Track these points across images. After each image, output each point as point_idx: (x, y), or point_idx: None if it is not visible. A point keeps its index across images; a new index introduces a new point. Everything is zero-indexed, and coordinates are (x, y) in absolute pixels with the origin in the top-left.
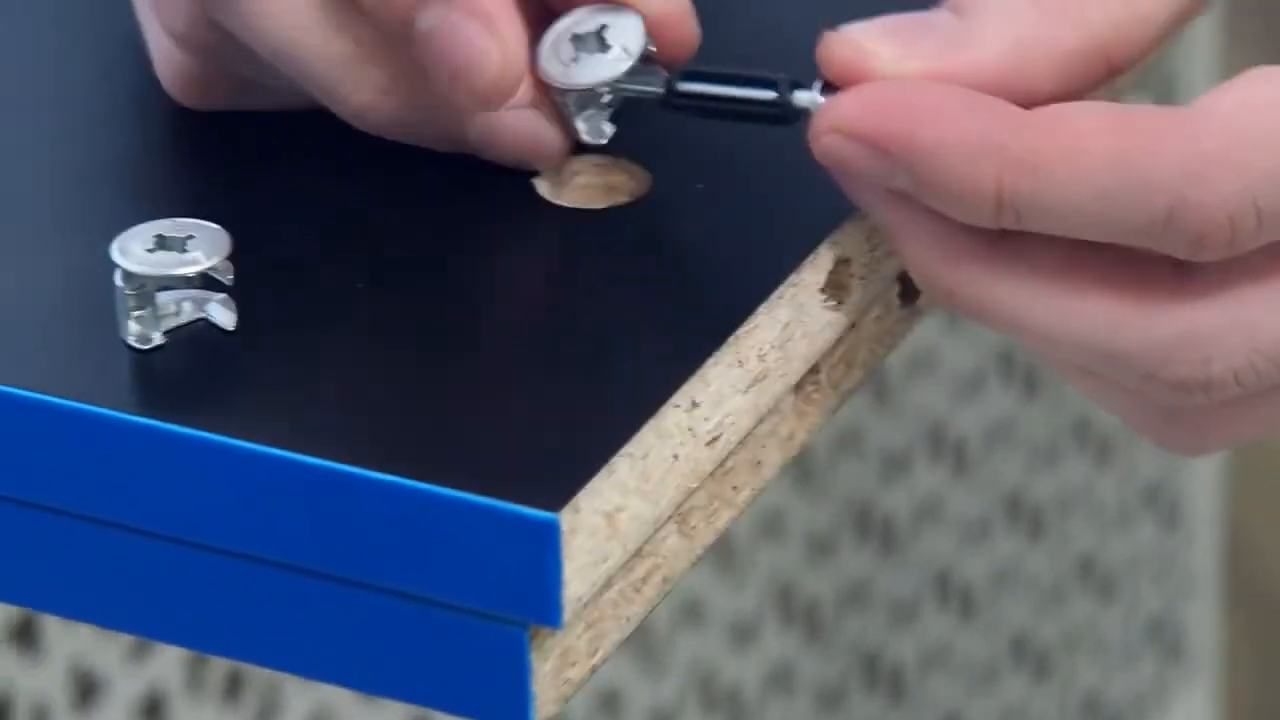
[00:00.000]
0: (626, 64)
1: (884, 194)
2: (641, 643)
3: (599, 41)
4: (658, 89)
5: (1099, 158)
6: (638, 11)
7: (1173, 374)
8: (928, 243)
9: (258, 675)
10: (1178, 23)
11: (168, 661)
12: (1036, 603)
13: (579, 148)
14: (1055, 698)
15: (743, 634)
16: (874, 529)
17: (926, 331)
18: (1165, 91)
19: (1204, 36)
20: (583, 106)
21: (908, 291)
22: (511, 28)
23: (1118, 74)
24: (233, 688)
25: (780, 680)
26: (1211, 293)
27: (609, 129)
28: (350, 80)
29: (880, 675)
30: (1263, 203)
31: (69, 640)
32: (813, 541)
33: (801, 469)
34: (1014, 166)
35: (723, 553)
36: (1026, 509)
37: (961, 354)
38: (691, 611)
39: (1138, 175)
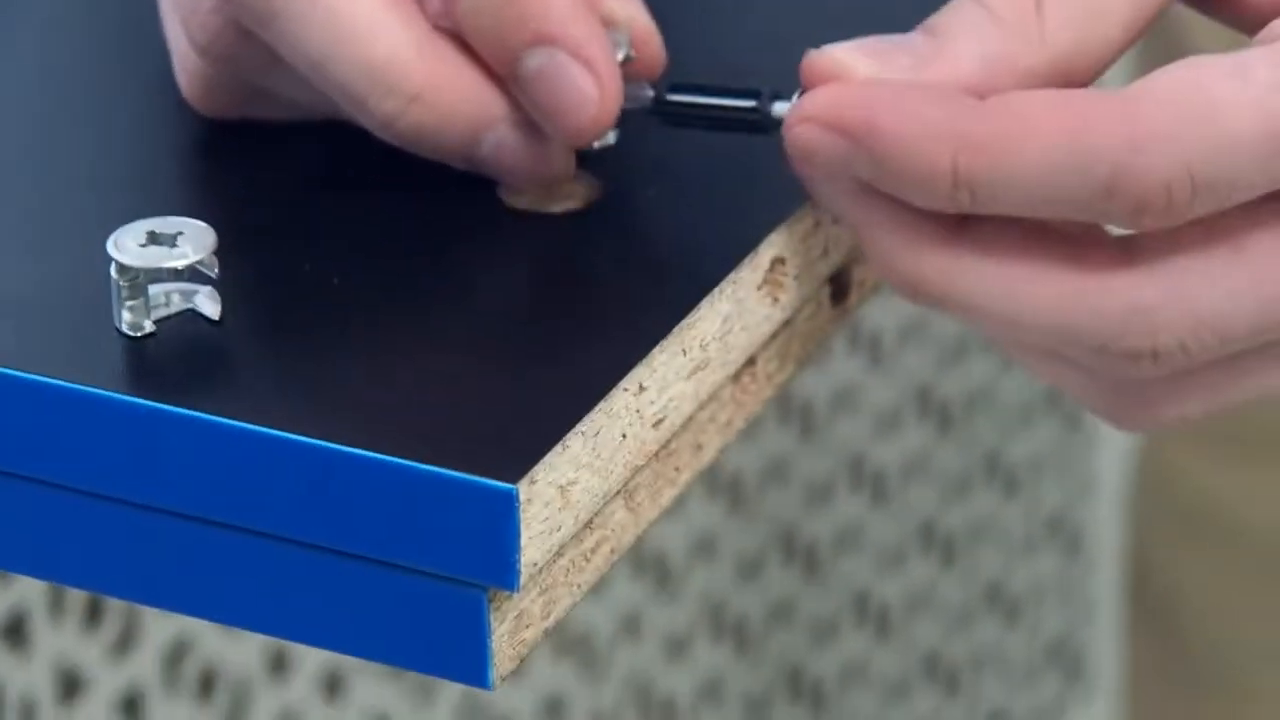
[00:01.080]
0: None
1: (850, 190)
2: (583, 654)
3: None
4: (646, 100)
5: (1045, 135)
6: (625, 26)
7: (1123, 346)
8: (892, 236)
9: (230, 674)
10: (1133, 40)
11: (145, 659)
12: (947, 624)
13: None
14: (963, 713)
15: (677, 647)
16: (798, 552)
17: (850, 369)
18: None
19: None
20: None
21: (839, 292)
22: (610, 70)
23: (1078, 87)
24: (206, 686)
25: (711, 691)
26: (1154, 267)
27: (613, 135)
28: (382, 88)
29: (803, 688)
30: (1197, 172)
31: (54, 638)
32: (742, 563)
33: (733, 496)
34: (968, 148)
35: (659, 572)
36: (939, 537)
37: (882, 391)
38: (630, 626)
39: (1080, 148)
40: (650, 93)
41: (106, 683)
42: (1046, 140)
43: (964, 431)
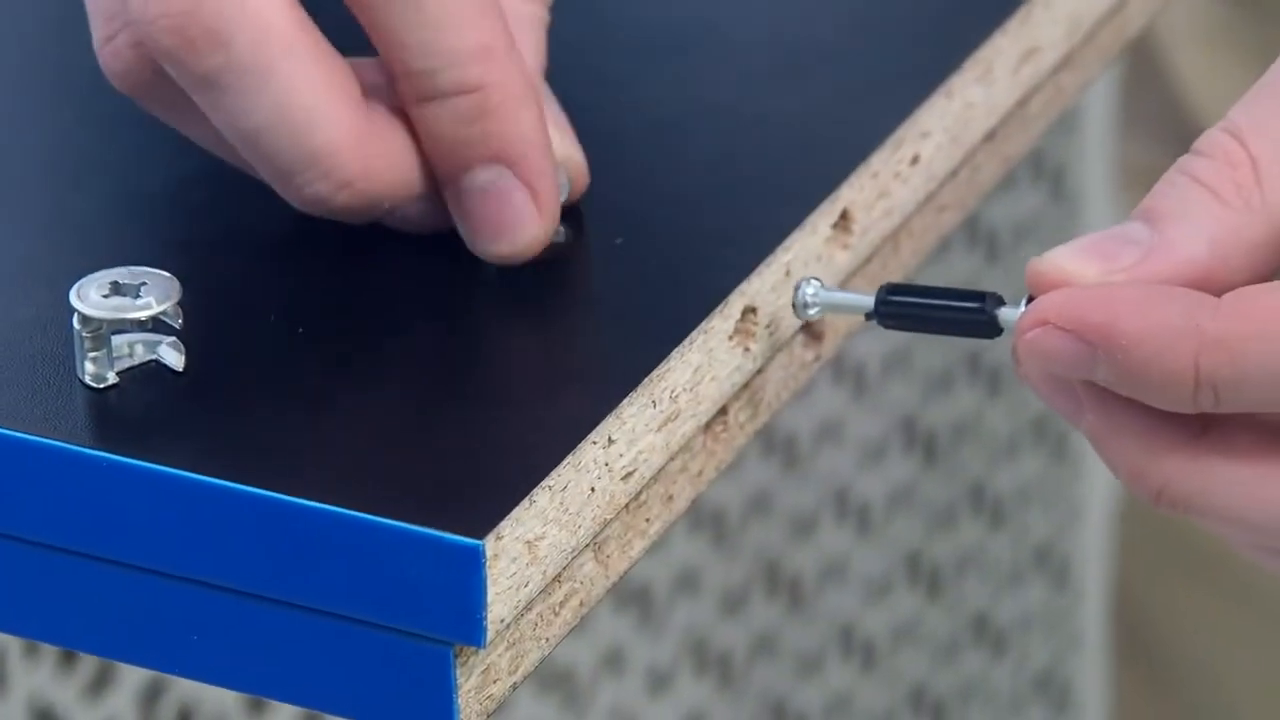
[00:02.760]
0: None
1: (1088, 398)
2: (566, 689)
3: None
4: (560, 238)
5: None
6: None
7: None
8: (1134, 441)
9: (207, 713)
10: None
11: (122, 699)
12: (933, 656)
13: None
14: None
15: (660, 681)
16: (782, 585)
17: (834, 401)
18: (1056, 181)
19: (1094, 127)
20: None
21: (811, 339)
22: (552, 203)
23: None
24: None
25: None
26: None
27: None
28: (315, 173)
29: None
30: None
31: (29, 677)
32: (726, 597)
33: (716, 530)
34: (1210, 348)
35: (642, 609)
36: (925, 569)
37: (867, 423)
38: (613, 660)
39: None
40: (563, 234)
41: None
42: None
43: (950, 463)
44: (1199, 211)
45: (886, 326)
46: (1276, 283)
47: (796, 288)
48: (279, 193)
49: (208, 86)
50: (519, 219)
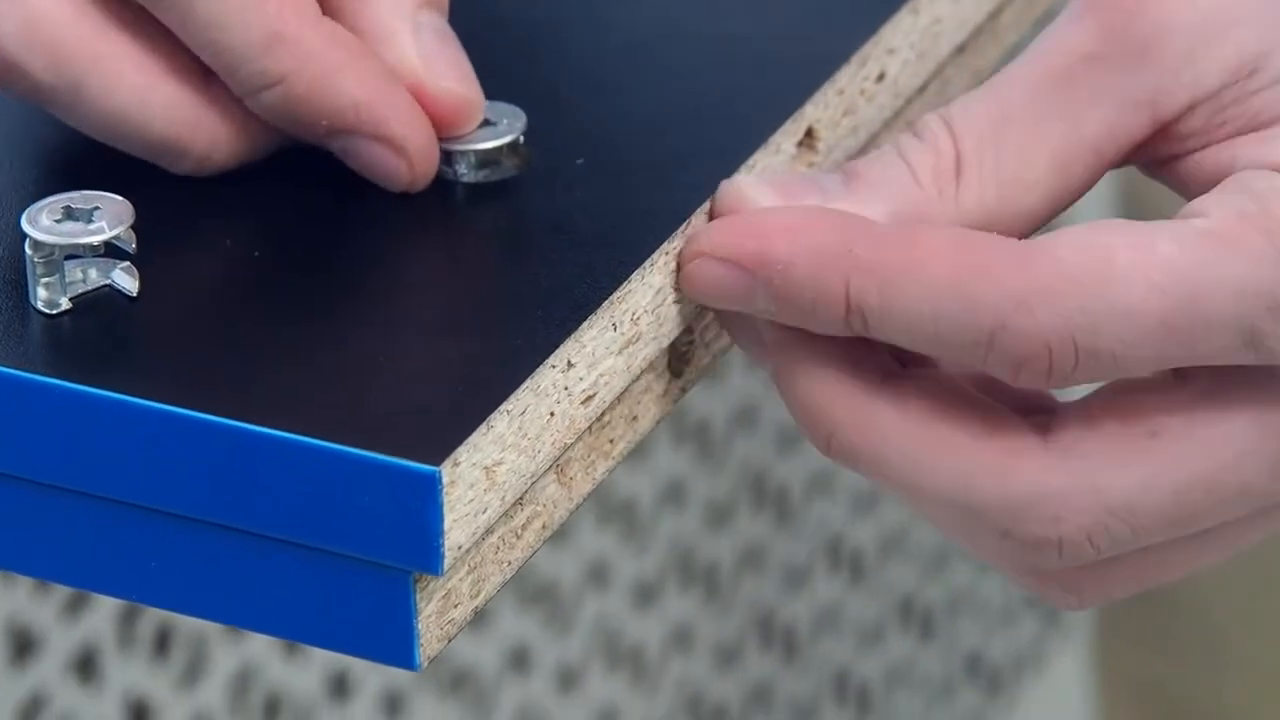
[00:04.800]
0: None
1: (769, 335)
2: (550, 603)
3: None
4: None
5: (938, 274)
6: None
7: (1026, 532)
8: (805, 382)
9: (186, 632)
10: (1056, 211)
11: (100, 618)
12: (923, 568)
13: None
14: (939, 658)
15: (646, 594)
16: (776, 637)
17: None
18: None
19: None
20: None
21: None
22: (415, 137)
23: None
24: (162, 643)
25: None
26: (1063, 452)
27: (481, 174)
28: (170, 155)
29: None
30: (1080, 339)
31: (6, 598)
32: (719, 651)
33: (708, 586)
34: (861, 272)
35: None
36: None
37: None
38: (598, 574)
39: (969, 295)
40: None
41: (61, 642)
42: (938, 280)
43: None
44: (891, 183)
45: None
46: (942, 225)
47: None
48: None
49: (38, 102)
50: (387, 171)
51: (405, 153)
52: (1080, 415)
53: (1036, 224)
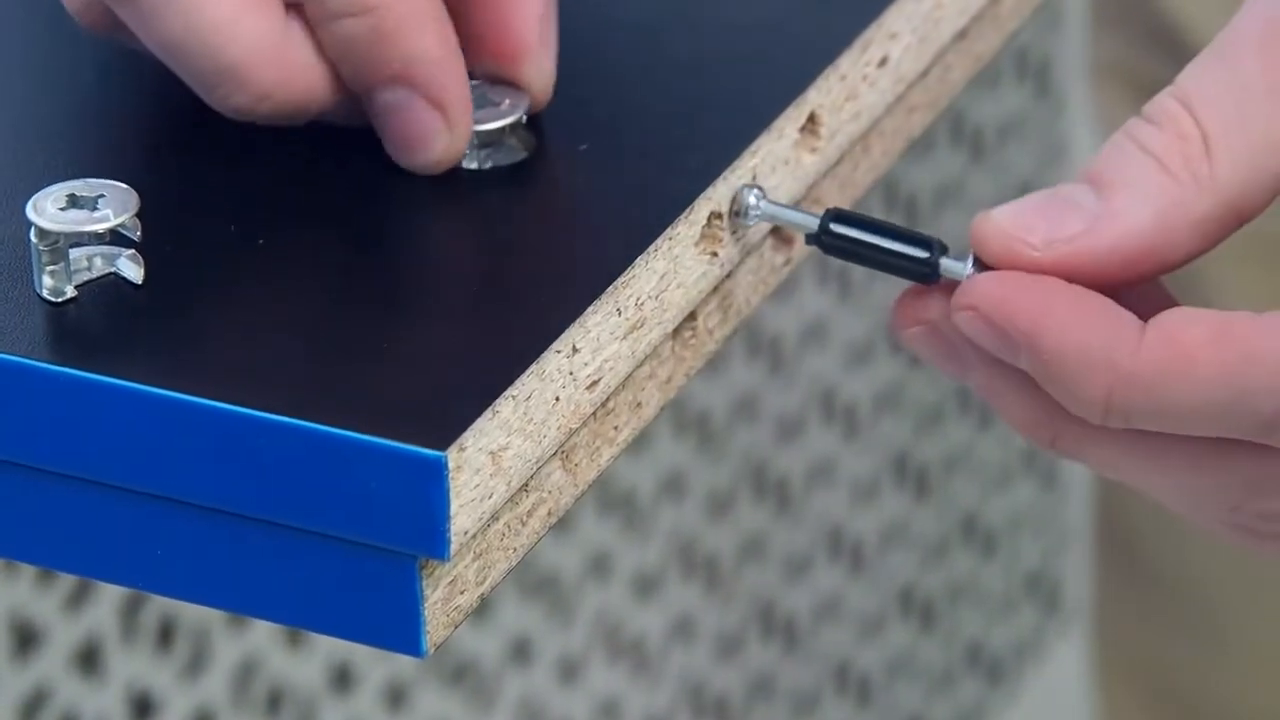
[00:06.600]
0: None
1: (978, 358)
2: (552, 594)
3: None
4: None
5: (1204, 374)
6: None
7: (1257, 507)
8: (1019, 399)
9: (188, 624)
10: None
11: (103, 611)
12: (923, 557)
13: None
14: (940, 648)
15: (647, 585)
16: (777, 629)
17: (826, 441)
18: (1040, 78)
19: (1078, 23)
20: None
21: (781, 243)
22: (460, 110)
23: (1249, 221)
24: (165, 636)
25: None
26: None
27: (479, 161)
28: (233, 85)
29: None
30: None
31: (8, 592)
32: (721, 642)
33: (708, 576)
34: (1125, 382)
35: (629, 510)
36: (918, 601)
37: (858, 461)
38: (600, 565)
39: (1241, 386)
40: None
41: (63, 635)
42: (1206, 379)
43: (941, 495)
44: (1145, 182)
45: (827, 253)
46: (1192, 312)
47: (737, 193)
48: (208, 103)
49: (123, 5)
50: (426, 135)
51: (452, 123)
52: None
53: None
